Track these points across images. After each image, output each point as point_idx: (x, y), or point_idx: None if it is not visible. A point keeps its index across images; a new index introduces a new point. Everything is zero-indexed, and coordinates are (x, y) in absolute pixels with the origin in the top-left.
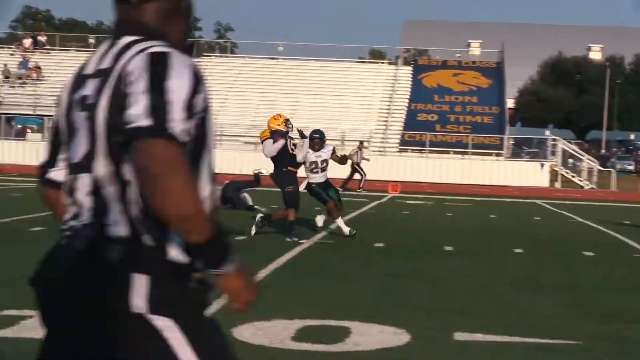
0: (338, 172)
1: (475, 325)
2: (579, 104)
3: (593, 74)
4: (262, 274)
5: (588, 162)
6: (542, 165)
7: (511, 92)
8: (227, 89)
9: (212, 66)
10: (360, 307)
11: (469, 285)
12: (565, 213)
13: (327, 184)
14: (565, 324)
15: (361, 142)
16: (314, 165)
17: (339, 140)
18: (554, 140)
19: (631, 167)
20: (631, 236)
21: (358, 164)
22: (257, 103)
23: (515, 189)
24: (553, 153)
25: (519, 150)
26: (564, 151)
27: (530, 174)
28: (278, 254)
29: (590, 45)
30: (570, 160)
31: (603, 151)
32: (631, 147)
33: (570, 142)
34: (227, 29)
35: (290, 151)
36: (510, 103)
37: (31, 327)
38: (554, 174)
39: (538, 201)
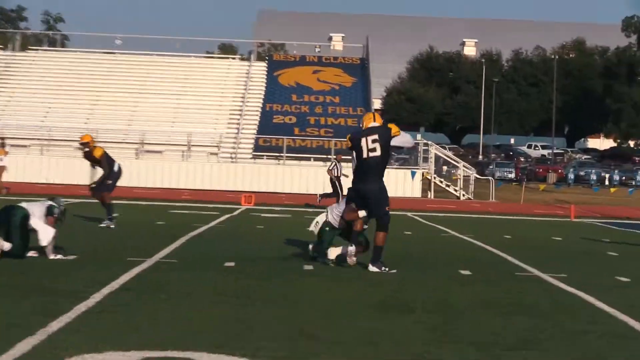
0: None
1: (337, 352)
2: (453, 104)
3: (468, 71)
4: (95, 298)
5: (464, 169)
6: (413, 173)
7: (378, 92)
8: (56, 87)
9: (40, 61)
10: (208, 335)
11: (330, 308)
12: (439, 227)
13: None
14: (438, 350)
15: (339, 155)
16: None
17: (185, 145)
18: (426, 145)
19: (512, 175)
20: (512, 252)
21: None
22: (91, 103)
23: None
24: (425, 160)
25: None
26: (438, 157)
27: (400, 183)
28: (113, 275)
29: (465, 40)
30: (445, 168)
31: (481, 157)
32: (511, 153)
33: (444, 147)
34: (57, 19)
35: None
36: (376, 104)
37: None
38: (426, 183)
39: (409, 214)
